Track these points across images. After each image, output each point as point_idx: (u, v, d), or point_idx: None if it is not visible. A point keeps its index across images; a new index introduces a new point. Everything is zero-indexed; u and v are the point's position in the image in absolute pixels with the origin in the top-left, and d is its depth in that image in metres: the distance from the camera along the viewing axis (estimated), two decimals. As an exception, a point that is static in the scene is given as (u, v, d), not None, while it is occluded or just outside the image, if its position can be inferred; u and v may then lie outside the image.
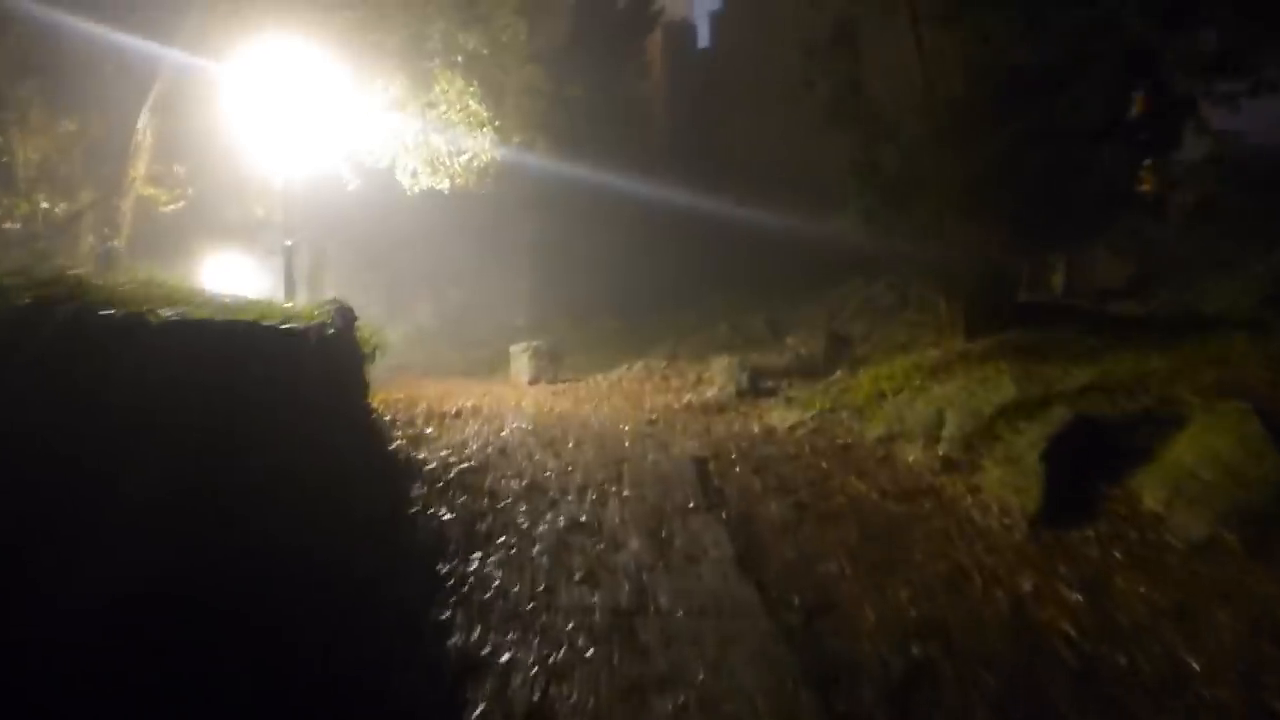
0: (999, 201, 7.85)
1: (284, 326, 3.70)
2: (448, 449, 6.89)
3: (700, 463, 6.60)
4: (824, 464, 6.66)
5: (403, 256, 31.75)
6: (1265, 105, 7.66)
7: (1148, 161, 8.50)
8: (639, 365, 14.80)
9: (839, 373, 9.56)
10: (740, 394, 9.93)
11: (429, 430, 7.99)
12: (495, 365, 18.77)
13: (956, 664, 3.63)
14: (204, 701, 2.85)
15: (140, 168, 11.29)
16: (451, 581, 4.18)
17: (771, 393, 9.96)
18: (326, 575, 3.61)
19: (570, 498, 5.58)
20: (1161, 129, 8.05)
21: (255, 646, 3.06)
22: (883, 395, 7.77)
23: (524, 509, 5.29)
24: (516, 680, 3.45)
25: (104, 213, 11.24)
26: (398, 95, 10.62)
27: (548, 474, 6.15)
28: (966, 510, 5.42)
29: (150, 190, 11.84)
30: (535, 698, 3.35)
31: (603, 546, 4.78)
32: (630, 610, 4.05)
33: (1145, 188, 8.67)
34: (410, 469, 5.94)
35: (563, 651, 3.68)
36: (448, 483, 5.70)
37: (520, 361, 14.66)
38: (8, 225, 11.32)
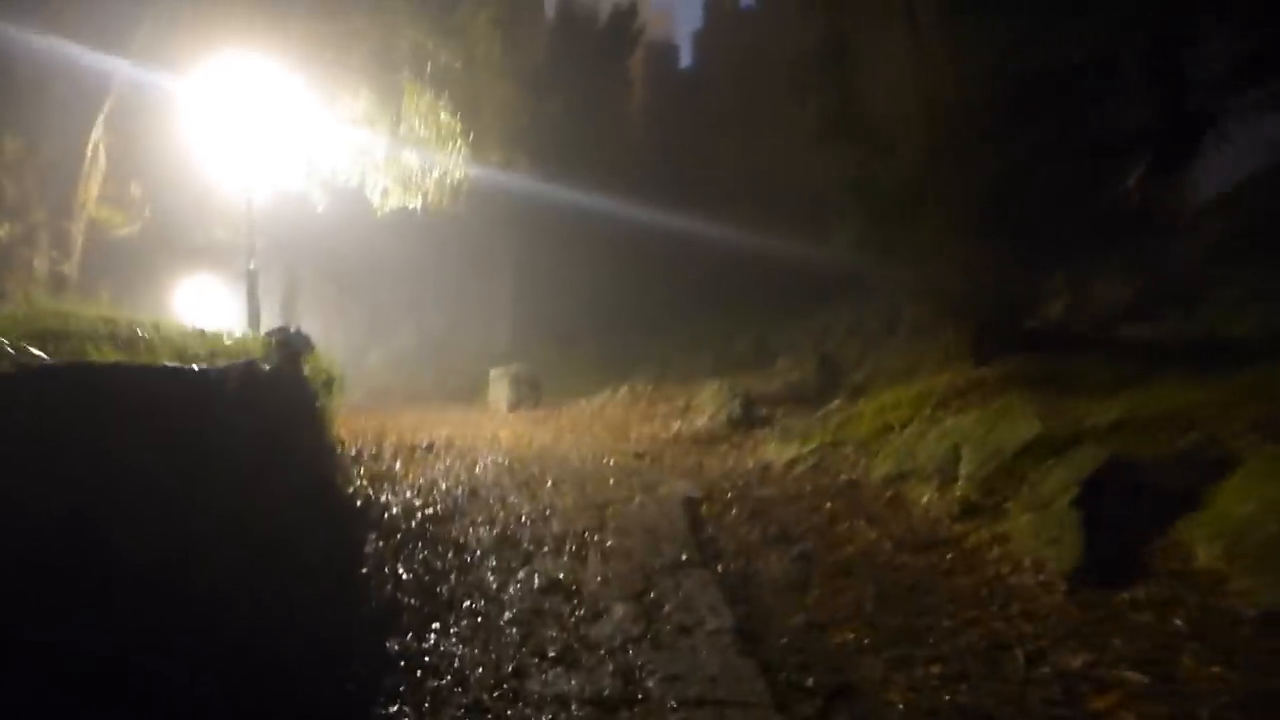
0: (1007, 219, 7.32)
1: (183, 369, 3.05)
2: (413, 491, 6.23)
3: (691, 505, 5.97)
4: (828, 506, 6.05)
5: (382, 281, 31.12)
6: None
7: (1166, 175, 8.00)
8: (624, 390, 14.20)
9: (837, 401, 8.97)
10: (732, 424, 9.34)
11: (396, 467, 7.35)
12: (476, 390, 18.11)
13: (1009, 771, 3.00)
14: None
15: (93, 188, 10.61)
16: (403, 663, 3.52)
17: (765, 422, 9.37)
18: (242, 671, 2.94)
19: (546, 550, 4.92)
20: (1184, 140, 7.56)
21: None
22: (889, 428, 7.18)
23: (493, 565, 4.63)
24: (474, 802, 2.80)
25: (54, 235, 10.53)
26: (365, 109, 10.03)
27: (522, 521, 5.50)
28: (994, 565, 4.80)
29: (104, 213, 11.15)
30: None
31: (582, 613, 4.12)
32: (614, 701, 3.39)
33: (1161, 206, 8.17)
34: (368, 518, 5.27)
35: (532, 760, 3.03)
36: (409, 534, 5.03)
37: (499, 387, 14.03)
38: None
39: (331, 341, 35.13)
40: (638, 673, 3.58)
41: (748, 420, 9.37)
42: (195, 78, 10.63)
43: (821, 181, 20.70)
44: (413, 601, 4.04)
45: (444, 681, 3.41)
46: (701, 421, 9.76)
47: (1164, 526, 4.74)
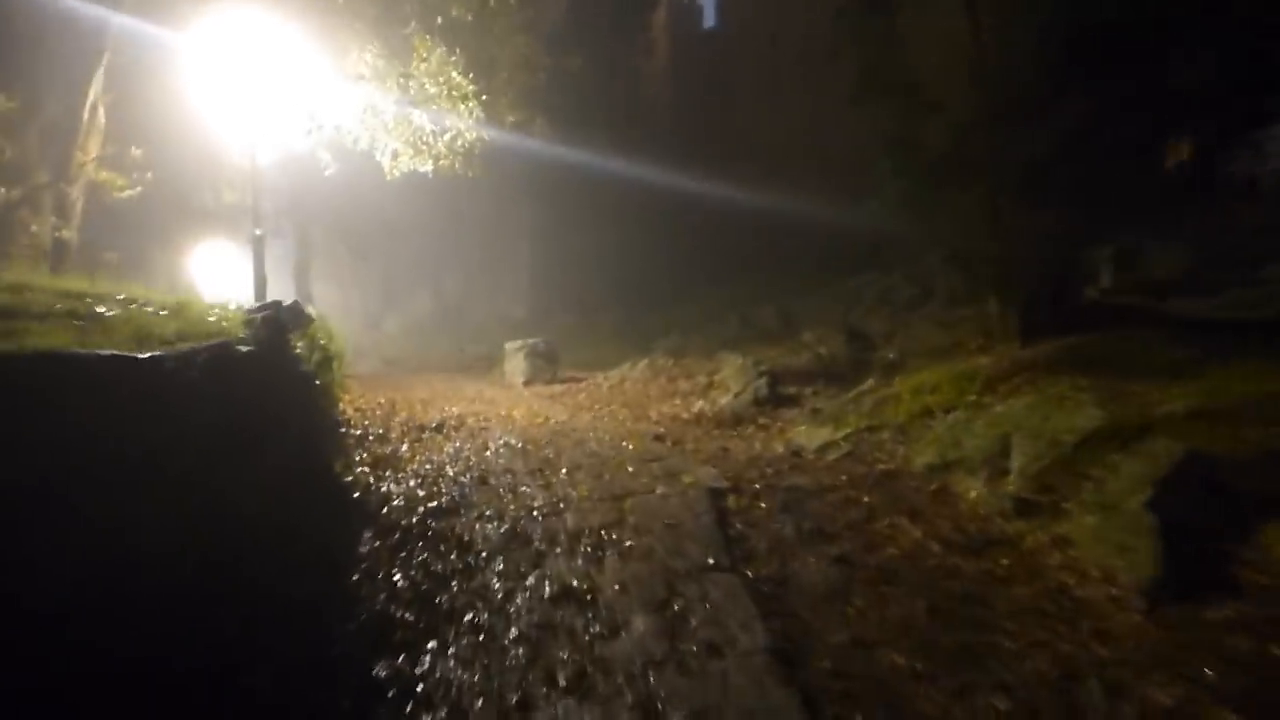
0: (1060, 186, 6.70)
1: (128, 358, 2.59)
2: (418, 478, 5.81)
3: (717, 497, 5.49)
4: (866, 499, 5.56)
5: (397, 246, 30.70)
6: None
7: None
8: (643, 364, 13.71)
9: (870, 380, 8.43)
10: (758, 403, 8.83)
11: (403, 449, 6.94)
12: (492, 360, 17.71)
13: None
14: None
15: (91, 149, 10.16)
16: (392, 692, 3.09)
17: (793, 401, 8.86)
18: (195, 708, 2.52)
19: (559, 550, 4.47)
20: (1251, 104, 6.88)
21: None
22: (929, 412, 6.66)
23: (500, 569, 4.19)
24: None
25: (54, 199, 10.11)
26: (373, 66, 9.48)
27: (534, 514, 5.05)
28: (1057, 573, 4.31)
29: (105, 175, 10.70)
30: None
31: (598, 629, 3.68)
32: (633, 741, 2.96)
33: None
34: (365, 510, 4.84)
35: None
36: (409, 530, 4.60)
37: (515, 361, 13.57)
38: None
39: (348, 308, 35.01)
40: (660, 704, 3.14)
41: (774, 399, 8.85)
42: (196, 31, 10.14)
43: (855, 143, 19.95)
44: (407, 615, 3.60)
45: (438, 716, 2.98)
46: (725, 400, 9.26)
47: (1250, 533, 4.23)
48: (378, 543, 4.31)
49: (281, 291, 23.94)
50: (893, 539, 4.91)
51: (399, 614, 3.58)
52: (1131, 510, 4.40)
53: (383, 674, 3.17)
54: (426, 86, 9.42)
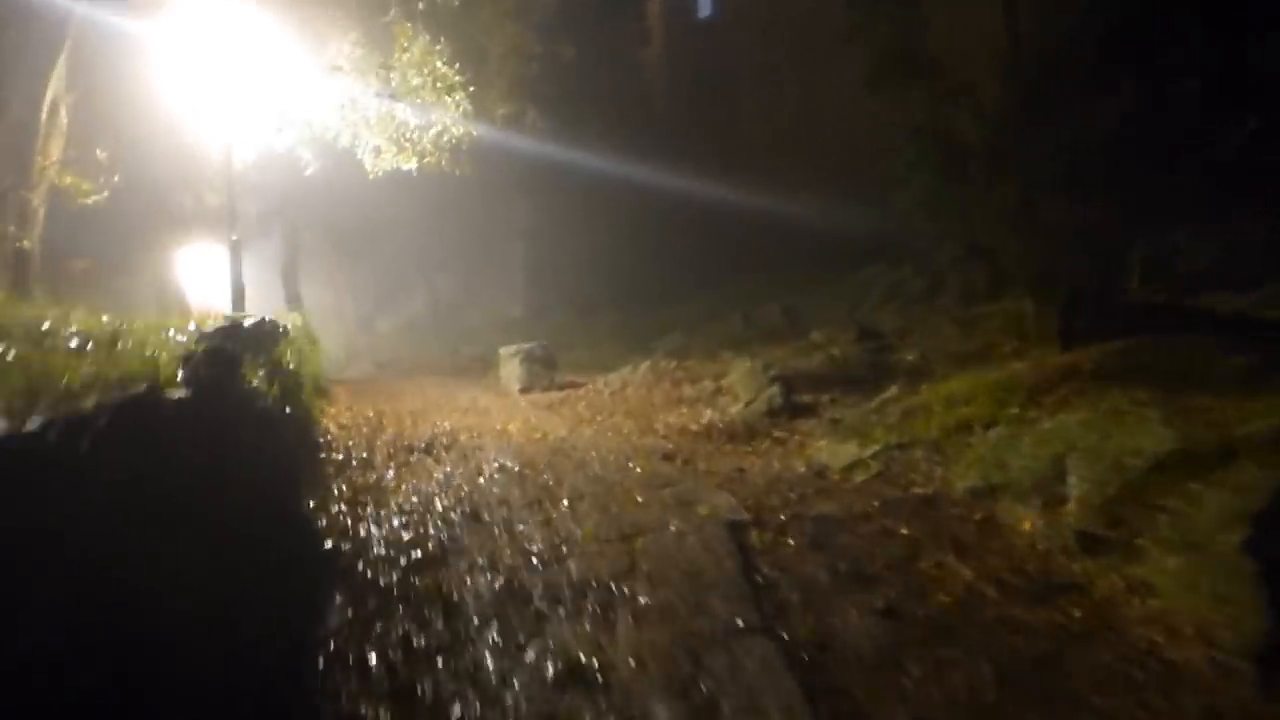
0: (1109, 177, 6.10)
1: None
2: (403, 515, 5.20)
3: (739, 533, 4.89)
4: (905, 531, 4.96)
5: (390, 245, 30.03)
6: None
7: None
8: (645, 367, 13.08)
9: (893, 388, 7.82)
10: (772, 413, 8.22)
11: (388, 476, 6.33)
12: (487, 362, 17.06)
13: None
14: None
15: (53, 152, 9.50)
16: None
17: (810, 411, 8.25)
18: None
19: (563, 611, 3.86)
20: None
21: None
22: (966, 427, 6.06)
23: (494, 640, 3.58)
24: None
25: (15, 206, 9.45)
26: (352, 57, 8.83)
27: (533, 562, 4.44)
28: (1141, 629, 3.71)
29: (68, 179, 10.04)
30: None
31: None
32: None
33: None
34: (338, 564, 4.23)
35: None
36: (388, 591, 3.99)
37: (510, 367, 12.94)
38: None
39: (340, 308, 34.36)
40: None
41: (789, 409, 8.24)
42: (166, 22, 9.49)
43: (858, 133, 19.29)
44: (382, 709, 2.99)
45: None
46: (736, 409, 8.65)
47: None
48: (350, 611, 3.70)
49: (269, 294, 23.31)
50: (941, 582, 4.31)
51: (371, 713, 2.97)
52: (1223, 552, 3.79)
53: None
54: (409, 78, 8.79)
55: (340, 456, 6.88)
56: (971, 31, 6.84)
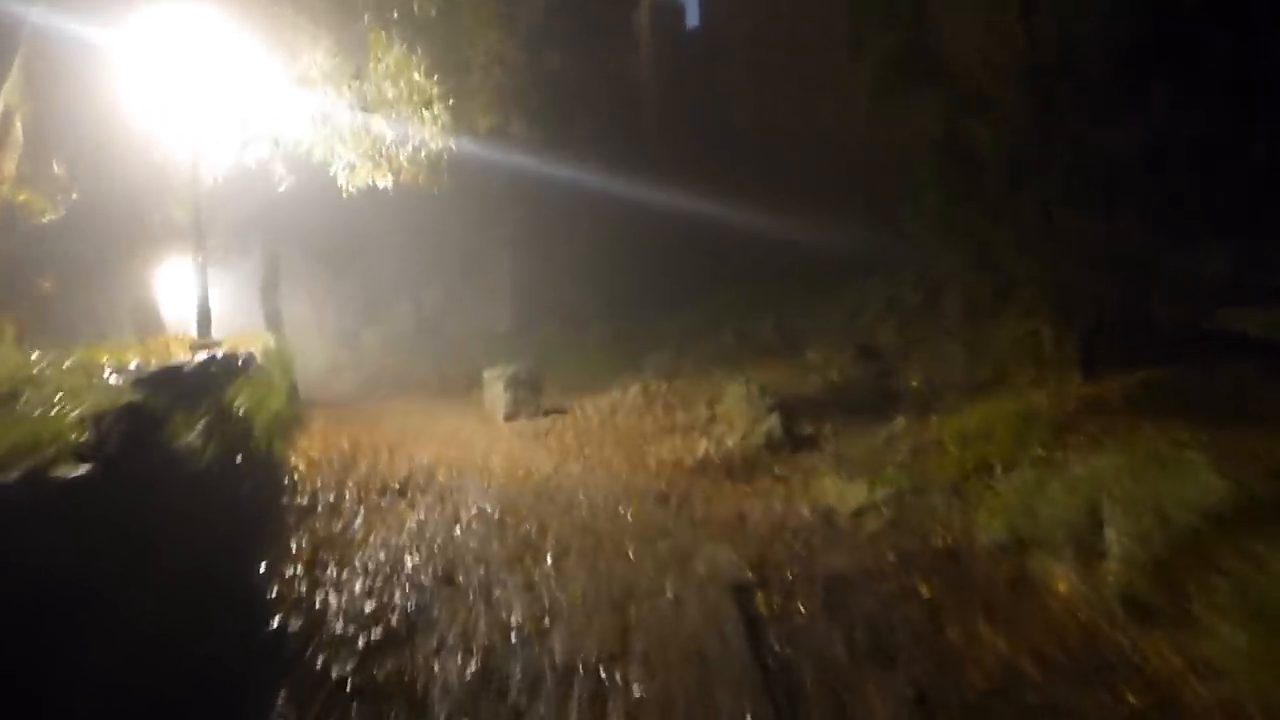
0: (1139, 191, 5.64)
1: None
2: (367, 576, 4.66)
3: (744, 597, 4.38)
4: (926, 592, 4.47)
5: (374, 258, 29.41)
6: None
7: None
8: (635, 388, 12.57)
9: (901, 419, 7.34)
10: (771, 445, 7.71)
11: (355, 525, 5.79)
12: (472, 380, 16.48)
13: None
14: None
15: (6, 165, 8.93)
16: None
17: (811, 443, 7.75)
18: None
19: (544, 709, 3.34)
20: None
21: None
22: (986, 467, 5.57)
23: (464, 747, 3.05)
24: None
25: (-32, 225, 8.89)
26: (323, 68, 8.30)
27: (511, 639, 3.91)
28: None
29: (23, 195, 9.46)
30: None
31: None
32: None
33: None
34: (286, 649, 3.68)
35: None
36: (341, 687, 3.44)
37: (495, 391, 12.37)
38: None
39: (324, 323, 33.75)
40: None
41: (790, 441, 7.73)
42: (128, 30, 8.96)
43: (857, 144, 18.86)
44: None
45: None
46: (732, 440, 8.13)
47: None
48: (296, 714, 3.16)
49: (250, 310, 22.65)
50: (975, 658, 3.81)
51: None
52: (1303, 629, 3.32)
53: None
54: (384, 90, 8.26)
55: (306, 501, 6.32)
56: (983, 34, 6.35)
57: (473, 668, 3.60)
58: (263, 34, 8.44)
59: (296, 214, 19.76)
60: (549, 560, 4.92)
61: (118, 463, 2.74)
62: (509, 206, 25.42)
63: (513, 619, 4.10)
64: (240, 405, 5.08)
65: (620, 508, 6.10)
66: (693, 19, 27.77)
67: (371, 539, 5.43)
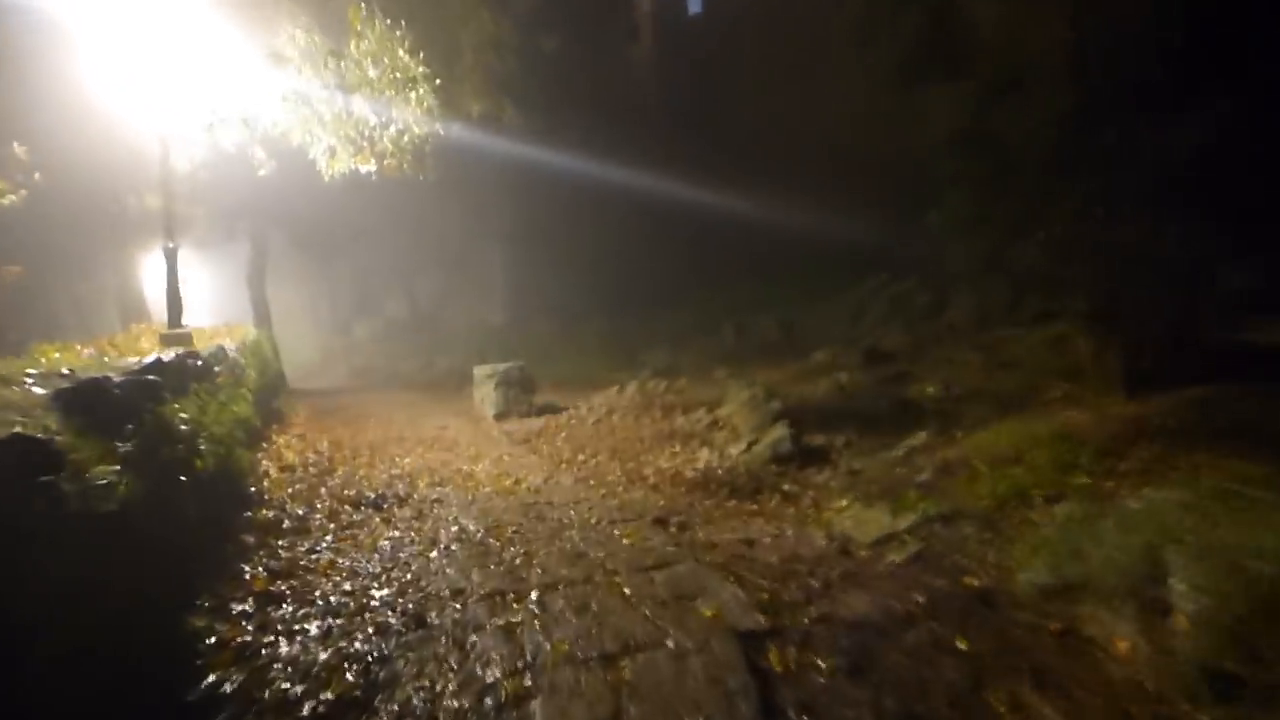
0: (1197, 194, 5.08)
1: None
2: (325, 617, 4.09)
3: (754, 650, 3.82)
4: (963, 646, 3.90)
5: (368, 248, 28.78)
6: None
7: None
8: (632, 388, 12.05)
9: (922, 435, 6.78)
10: (778, 459, 7.16)
11: (321, 548, 5.24)
12: (463, 376, 15.94)
13: None
14: None
15: (-38, 148, 8.34)
16: None
17: (823, 457, 7.20)
18: None
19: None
20: None
21: None
22: (1023, 496, 5.01)
23: None
24: None
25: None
26: (300, 45, 7.70)
27: (485, 702, 3.34)
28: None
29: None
30: None
31: None
32: None
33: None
34: None
35: None
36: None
37: (485, 390, 11.82)
38: None
39: (316, 314, 33.16)
40: None
41: (799, 454, 7.18)
42: (91, 5, 8.34)
43: (863, 136, 18.26)
44: None
45: None
46: (736, 450, 7.58)
47: None
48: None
49: (238, 299, 22.03)
50: (1025, 734, 3.27)
51: None
52: None
53: None
54: (365, 69, 7.66)
55: (272, 514, 5.78)
56: (1024, 20, 5.77)
57: (439, 747, 3.04)
58: (233, 6, 7.85)
59: (286, 202, 19.18)
60: (534, 596, 4.36)
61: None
62: (505, 197, 24.86)
63: (489, 674, 3.54)
64: (187, 417, 4.51)
65: (614, 530, 5.55)
66: (694, 4, 27.09)
67: (338, 564, 4.88)
